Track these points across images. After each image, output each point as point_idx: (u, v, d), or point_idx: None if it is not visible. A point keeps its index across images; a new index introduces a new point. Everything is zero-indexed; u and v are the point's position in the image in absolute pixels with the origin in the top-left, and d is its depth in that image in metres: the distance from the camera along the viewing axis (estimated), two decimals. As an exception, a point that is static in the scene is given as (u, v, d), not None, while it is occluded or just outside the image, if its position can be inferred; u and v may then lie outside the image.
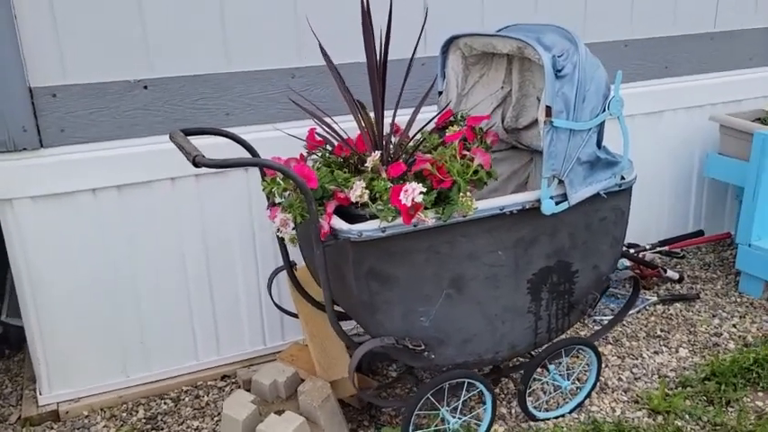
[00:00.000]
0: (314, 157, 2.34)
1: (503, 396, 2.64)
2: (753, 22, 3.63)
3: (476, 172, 2.06)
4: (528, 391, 2.46)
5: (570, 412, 2.55)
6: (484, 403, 2.40)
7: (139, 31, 2.38)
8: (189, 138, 2.03)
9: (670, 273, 3.44)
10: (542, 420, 2.51)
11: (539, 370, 2.46)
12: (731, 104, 3.67)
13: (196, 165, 1.79)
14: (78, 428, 2.53)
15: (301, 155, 2.31)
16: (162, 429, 2.52)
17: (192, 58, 2.48)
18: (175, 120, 2.51)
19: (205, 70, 2.52)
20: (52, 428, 2.53)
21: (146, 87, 2.44)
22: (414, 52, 2.24)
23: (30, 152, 2.33)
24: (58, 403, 2.60)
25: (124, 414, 2.61)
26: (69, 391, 2.61)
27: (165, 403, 2.67)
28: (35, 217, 2.38)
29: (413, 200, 1.88)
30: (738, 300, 3.31)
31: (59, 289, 2.48)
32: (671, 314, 3.21)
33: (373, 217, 1.97)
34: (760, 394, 2.62)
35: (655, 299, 3.31)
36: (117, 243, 2.52)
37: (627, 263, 3.34)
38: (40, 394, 2.59)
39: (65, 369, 2.58)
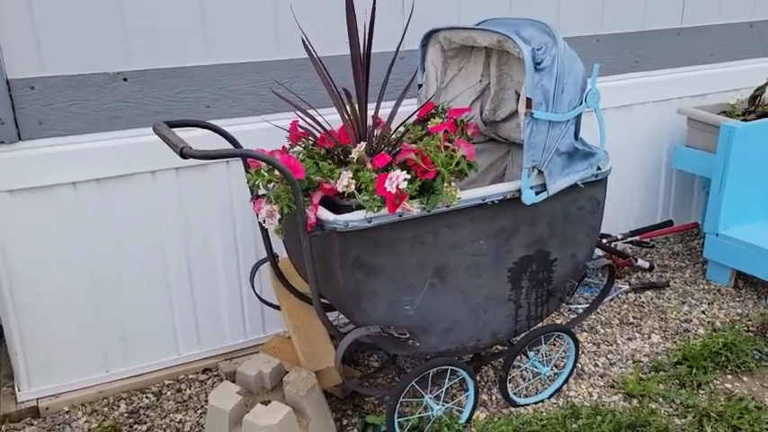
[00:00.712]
0: (296, 149, 2.35)
1: (483, 383, 2.69)
2: (716, 19, 3.74)
3: (458, 163, 2.09)
4: (508, 378, 2.51)
5: (549, 397, 2.61)
6: (466, 390, 2.45)
7: (119, 23, 2.36)
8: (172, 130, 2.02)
9: (641, 262, 3.53)
10: (522, 406, 2.57)
11: (518, 357, 2.52)
12: (698, 98, 3.78)
13: (183, 156, 1.79)
14: (59, 424, 2.51)
15: (284, 147, 2.31)
16: (145, 423, 2.52)
17: (172, 50, 2.47)
18: (155, 112, 2.49)
19: (185, 63, 2.51)
20: (32, 425, 2.51)
21: (125, 80, 2.42)
22: (399, 44, 2.27)
23: (7, 145, 2.30)
24: (37, 399, 2.57)
25: (105, 409, 2.59)
26: (49, 387, 2.58)
27: (146, 397, 2.66)
28: (13, 211, 2.34)
29: (397, 186, 1.91)
30: (706, 287, 3.42)
31: (38, 284, 2.45)
32: (642, 302, 3.30)
33: (359, 207, 2.00)
34: (729, 377, 2.72)
35: (627, 287, 3.40)
36: (97, 237, 2.50)
37: (600, 252, 3.43)
38: (19, 390, 2.56)
39: (44, 365, 2.55)
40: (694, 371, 2.71)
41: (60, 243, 2.45)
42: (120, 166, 2.46)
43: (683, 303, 3.28)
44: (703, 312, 3.20)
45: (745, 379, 2.70)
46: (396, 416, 2.27)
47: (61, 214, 2.42)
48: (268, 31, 2.61)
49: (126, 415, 2.56)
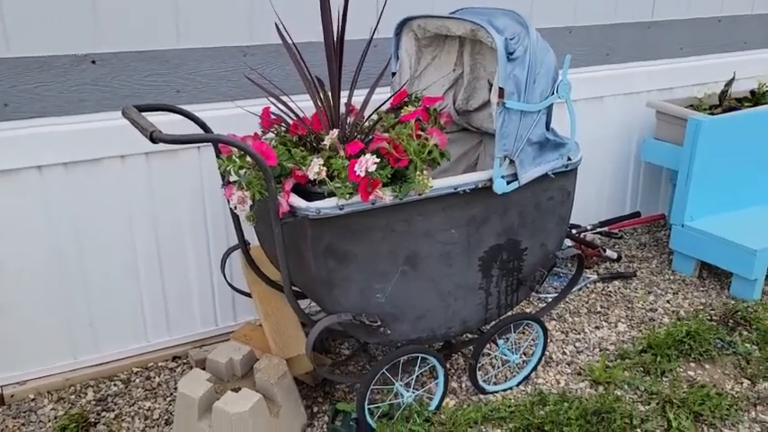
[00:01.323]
0: (269, 135, 2.33)
1: (453, 371, 2.71)
2: (686, 14, 3.80)
3: (430, 152, 2.10)
4: (478, 366, 2.54)
5: (518, 385, 2.65)
6: (436, 378, 2.47)
7: (89, 5, 2.31)
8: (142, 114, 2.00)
9: (609, 252, 3.59)
10: (492, 393, 2.60)
11: (488, 345, 2.55)
12: (666, 92, 3.84)
13: (153, 140, 1.77)
14: (25, 412, 2.47)
15: (255, 133, 2.30)
16: (113, 411, 2.49)
17: (142, 33, 2.43)
18: (124, 96, 2.45)
19: (155, 46, 2.47)
20: (-4, 413, 2.47)
21: (94, 62, 2.38)
22: (373, 31, 2.26)
23: (-29, 127, 2.25)
24: (2, 386, 2.52)
25: (72, 396, 2.56)
26: (14, 374, 2.54)
27: (114, 385, 2.63)
28: (-24, 195, 2.30)
29: (367, 170, 1.91)
30: (672, 277, 3.49)
31: (4, 269, 2.41)
32: (610, 291, 3.36)
33: (331, 195, 2.00)
34: (692, 364, 2.78)
35: (595, 277, 3.45)
36: (65, 222, 2.46)
37: (569, 242, 3.47)
38: (-17, 378, 2.52)
39: (9, 352, 2.51)
40: (659, 359, 2.77)
41: (26, 228, 2.40)
42: (88, 150, 2.42)
43: (649, 293, 3.34)
44: (668, 302, 3.27)
45: (707, 366, 2.77)
46: (366, 403, 2.28)
47: (27, 199, 2.37)
48: (241, 15, 2.58)
49: (93, 402, 2.53)
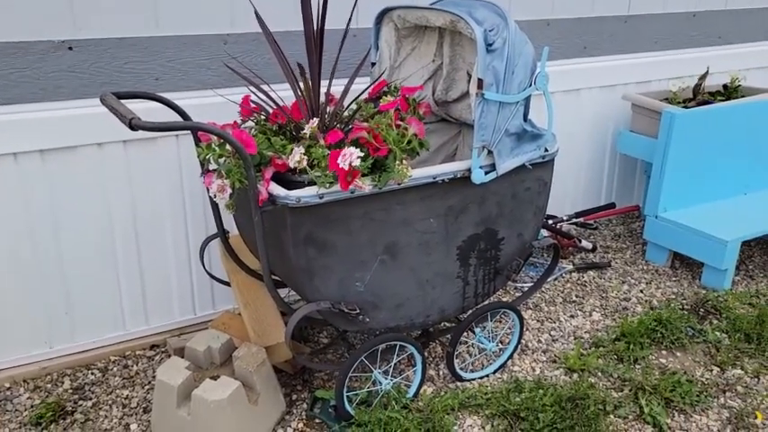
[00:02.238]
0: (248, 124, 2.33)
1: (430, 359, 2.75)
2: (661, 8, 3.85)
3: (409, 142, 2.12)
4: (455, 353, 2.57)
5: (494, 372, 2.69)
6: (414, 365, 2.50)
7: (64, -10, 2.29)
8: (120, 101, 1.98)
9: (584, 243, 3.64)
10: (468, 381, 2.64)
11: (465, 333, 2.58)
12: (642, 85, 3.90)
13: (132, 128, 1.76)
14: (0, 401, 2.45)
15: (235, 122, 2.30)
16: (90, 399, 2.48)
17: (121, 19, 2.41)
18: (102, 83, 2.43)
19: (133, 33, 2.45)
20: (-29, 402, 2.45)
21: (71, 48, 2.35)
22: (349, 20, 2.27)
23: (-56, 113, 2.21)
24: (-24, 376, 2.51)
25: (49, 385, 2.54)
26: (-11, 363, 2.53)
27: (92, 373, 2.62)
28: (-50, 182, 2.27)
29: (350, 164, 1.92)
30: (645, 267, 3.56)
31: (-23, 257, 2.39)
32: (585, 281, 3.42)
33: (311, 183, 2.01)
34: (663, 352, 2.85)
35: (570, 267, 3.51)
36: (41, 210, 2.43)
37: (545, 233, 3.53)
38: (-43, 367, 2.50)
39: (-16, 341, 2.49)
40: (632, 347, 2.83)
41: (2, 215, 2.37)
42: (64, 137, 2.40)
43: (623, 283, 3.41)
44: (641, 291, 3.33)
45: (678, 354, 2.84)
46: (345, 390, 2.30)
47: (2, 186, 2.34)
48: (222, 3, 2.57)
49: (70, 391, 2.52)
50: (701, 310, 3.13)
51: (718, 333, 2.96)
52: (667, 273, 3.50)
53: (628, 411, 2.47)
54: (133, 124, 1.76)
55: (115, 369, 2.65)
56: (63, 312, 2.59)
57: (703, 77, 3.76)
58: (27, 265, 2.47)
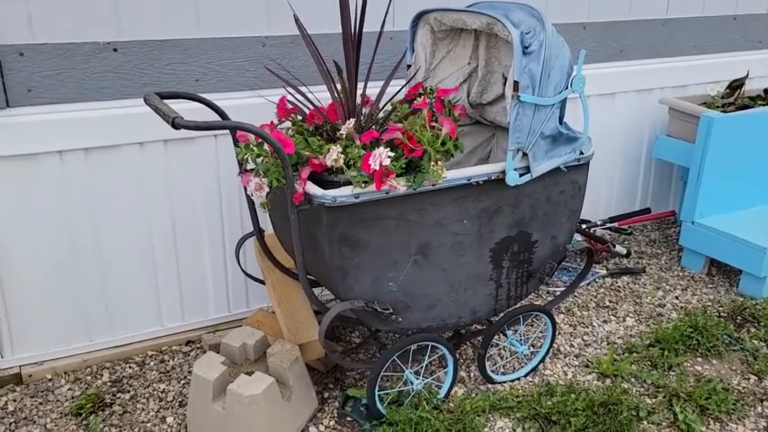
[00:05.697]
0: (285, 125, 2.37)
1: (462, 361, 2.75)
2: (700, 11, 3.80)
3: (443, 143, 2.13)
4: (486, 355, 2.57)
5: (525, 375, 2.68)
6: (445, 367, 2.51)
7: (110, -7, 2.36)
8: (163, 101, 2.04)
9: (618, 248, 3.61)
10: (499, 383, 2.63)
11: (497, 335, 2.58)
12: (679, 89, 3.85)
13: (175, 126, 1.81)
14: (42, 391, 2.53)
15: (272, 123, 2.34)
16: (128, 392, 2.55)
17: (163, 22, 2.47)
18: (144, 84, 2.50)
19: (175, 35, 2.51)
20: (15, 391, 2.52)
21: (115, 50, 2.42)
22: (383, 23, 2.29)
23: (-5, 111, 2.30)
24: (20, 366, 2.58)
25: (89, 377, 2.61)
26: (32, 354, 2.60)
27: (129, 367, 2.69)
28: (-1, 178, 2.35)
29: (380, 164, 1.95)
30: (681, 274, 3.51)
31: (22, 251, 2.46)
32: (619, 286, 3.39)
33: (346, 184, 2.03)
34: (699, 359, 2.81)
35: (604, 272, 3.48)
36: (83, 207, 2.51)
37: (579, 237, 3.50)
38: (2, 357, 2.57)
39: (28, 332, 2.57)
40: (666, 353, 2.79)
41: (46, 212, 2.45)
42: (107, 136, 2.47)
43: (658, 289, 3.37)
44: (677, 298, 3.29)
45: (714, 362, 2.80)
46: (376, 389, 2.32)
47: (47, 183, 2.42)
48: (260, 6, 2.62)
49: (109, 384, 2.59)
50: (739, 317, 3.08)
51: (755, 341, 2.91)
52: (703, 279, 3.45)
53: (662, 418, 2.44)
54: (176, 123, 1.80)
55: (152, 363, 2.71)
56: (102, 306, 2.66)
57: (742, 81, 3.70)
58: (69, 259, 2.54)
